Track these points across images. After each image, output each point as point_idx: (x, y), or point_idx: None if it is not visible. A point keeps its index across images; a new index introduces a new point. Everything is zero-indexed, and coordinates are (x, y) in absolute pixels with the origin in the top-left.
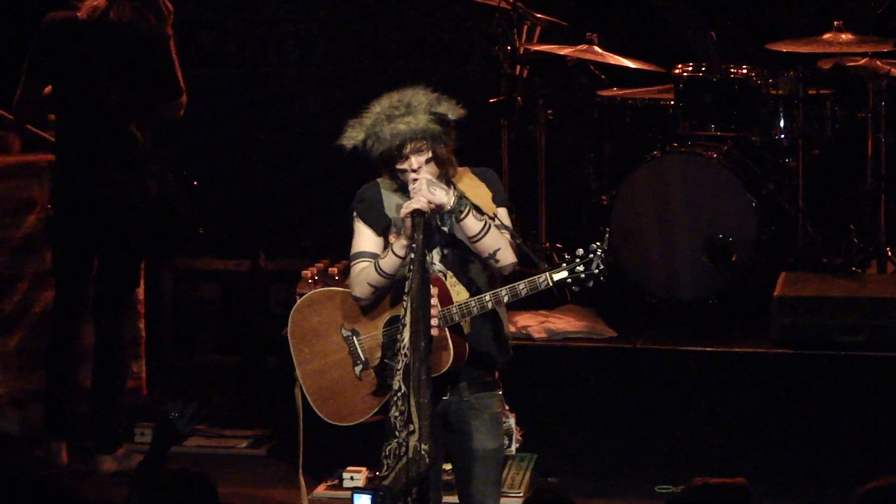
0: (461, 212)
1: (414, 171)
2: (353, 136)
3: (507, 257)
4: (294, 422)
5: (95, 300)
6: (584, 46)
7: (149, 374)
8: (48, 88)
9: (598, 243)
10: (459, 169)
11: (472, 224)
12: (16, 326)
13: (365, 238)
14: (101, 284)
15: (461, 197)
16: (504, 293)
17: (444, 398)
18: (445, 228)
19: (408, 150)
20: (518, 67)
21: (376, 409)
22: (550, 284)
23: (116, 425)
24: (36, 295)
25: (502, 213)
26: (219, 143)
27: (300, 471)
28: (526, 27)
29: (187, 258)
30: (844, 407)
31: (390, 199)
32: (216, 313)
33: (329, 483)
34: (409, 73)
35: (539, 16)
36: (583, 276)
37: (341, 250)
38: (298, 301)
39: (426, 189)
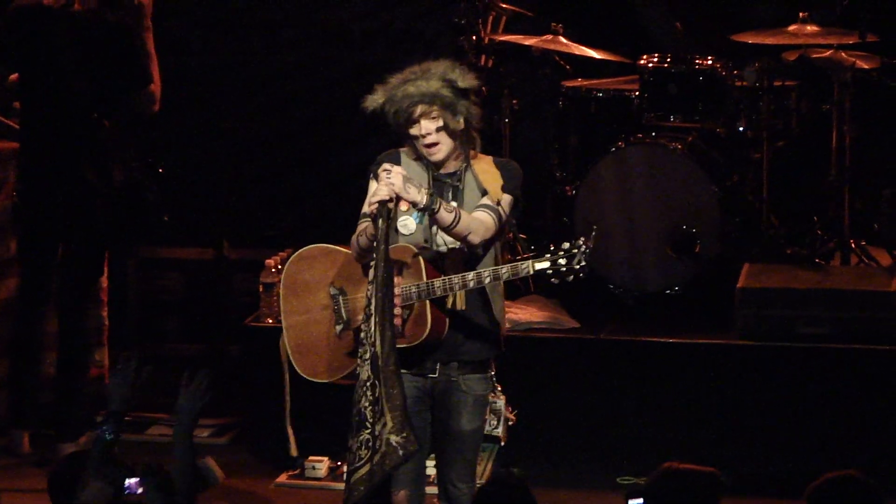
0: (434, 209)
1: (424, 136)
2: (374, 99)
3: (477, 236)
4: (255, 410)
5: (60, 288)
6: (550, 37)
7: (111, 362)
8: (14, 76)
9: (583, 239)
10: (483, 156)
11: (445, 217)
12: None
13: None
14: (66, 272)
15: (432, 194)
16: (487, 274)
17: (433, 376)
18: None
19: (418, 114)
20: (483, 57)
21: (349, 370)
22: (531, 272)
23: (79, 414)
24: (1, 283)
25: (506, 199)
26: (183, 132)
27: (287, 423)
28: (491, 17)
29: (151, 246)
30: (808, 399)
31: (408, 168)
32: (180, 302)
33: (291, 472)
34: (374, 63)
35: (504, 6)
36: (564, 269)
37: (305, 239)
38: (295, 253)
39: (399, 183)
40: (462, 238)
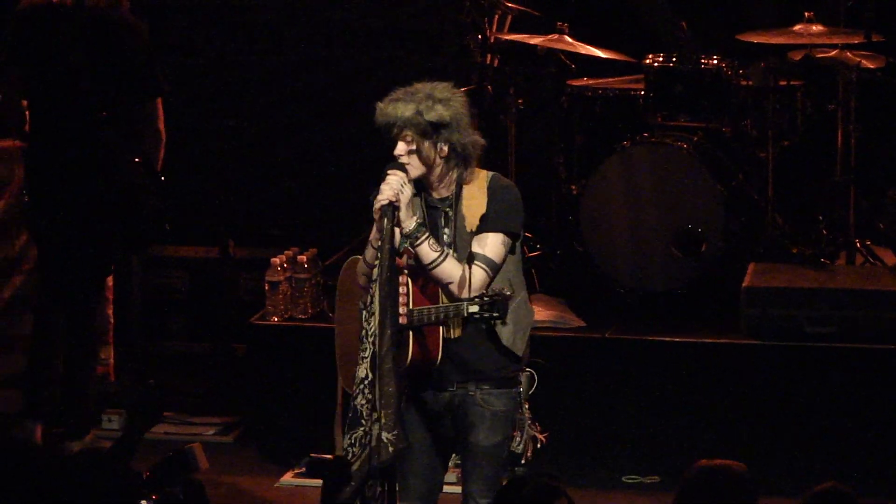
0: (417, 238)
1: (397, 156)
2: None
3: (459, 289)
4: (260, 408)
5: (68, 287)
6: (555, 36)
7: (117, 360)
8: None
9: (509, 293)
10: (481, 173)
11: (426, 252)
12: None
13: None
14: (73, 272)
15: (421, 224)
16: (442, 310)
17: (451, 389)
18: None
19: (394, 134)
20: (489, 56)
21: None
22: (465, 315)
23: (85, 412)
24: (6, 280)
25: (493, 238)
26: (188, 131)
27: (336, 425)
28: (497, 16)
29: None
30: (813, 398)
31: (405, 187)
32: (185, 300)
33: (296, 471)
34: (379, 62)
35: (510, 4)
36: (486, 315)
37: (310, 238)
38: (348, 259)
39: (408, 193)
40: (442, 285)
